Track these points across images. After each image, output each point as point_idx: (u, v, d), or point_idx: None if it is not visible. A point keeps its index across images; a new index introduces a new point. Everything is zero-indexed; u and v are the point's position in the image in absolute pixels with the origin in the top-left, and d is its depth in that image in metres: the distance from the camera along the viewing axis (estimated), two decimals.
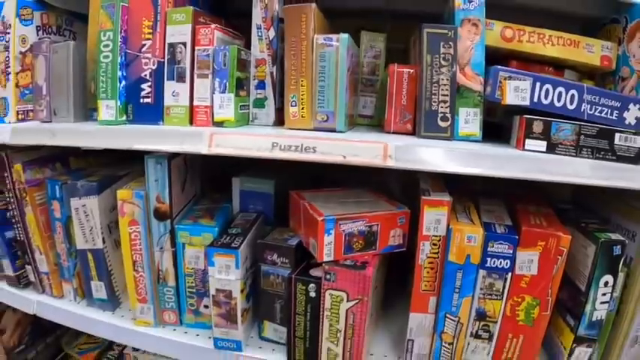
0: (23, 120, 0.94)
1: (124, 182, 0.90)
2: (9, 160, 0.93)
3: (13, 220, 0.96)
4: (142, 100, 0.83)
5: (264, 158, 0.70)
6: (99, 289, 0.90)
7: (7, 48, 0.93)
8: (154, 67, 0.81)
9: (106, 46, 0.82)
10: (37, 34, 0.96)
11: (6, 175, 0.94)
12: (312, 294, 0.76)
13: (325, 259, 0.73)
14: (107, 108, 0.83)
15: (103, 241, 0.87)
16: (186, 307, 0.85)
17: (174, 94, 0.80)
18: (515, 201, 0.82)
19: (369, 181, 0.92)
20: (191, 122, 0.81)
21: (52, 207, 0.90)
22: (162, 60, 0.81)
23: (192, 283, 0.83)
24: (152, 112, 0.83)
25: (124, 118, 0.84)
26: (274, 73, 0.82)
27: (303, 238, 0.78)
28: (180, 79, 0.80)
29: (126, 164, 1.02)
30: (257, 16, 0.82)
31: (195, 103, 0.80)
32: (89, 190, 0.85)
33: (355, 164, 0.67)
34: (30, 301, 0.97)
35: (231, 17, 0.92)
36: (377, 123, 0.91)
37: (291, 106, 0.76)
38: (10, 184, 0.93)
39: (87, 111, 0.93)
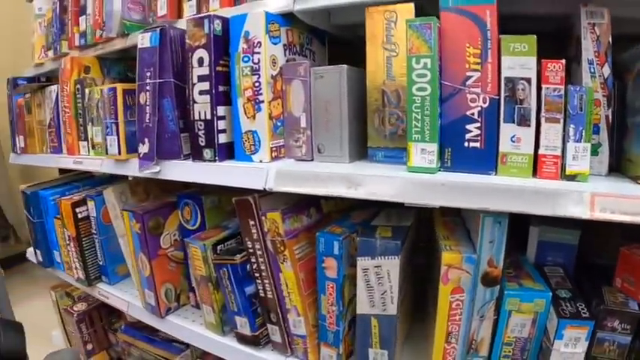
0: (277, 158, 0.78)
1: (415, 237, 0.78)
2: (257, 206, 0.77)
3: (257, 275, 0.80)
4: (466, 144, 0.72)
5: None
6: (379, 358, 0.81)
7: (255, 71, 0.78)
8: (484, 105, 0.70)
9: (421, 75, 0.70)
10: (285, 55, 0.78)
11: (252, 223, 0.78)
12: None
13: None
14: (422, 152, 0.73)
15: (398, 308, 0.72)
16: None
17: (514, 139, 0.68)
18: None
19: None
20: (534, 174, 0.70)
21: (324, 264, 0.78)
22: (496, 97, 0.70)
23: (508, 352, 0.77)
24: (481, 159, 0.71)
25: (438, 165, 0.72)
26: (609, 116, 0.69)
27: None
28: (524, 122, 0.69)
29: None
30: (588, 49, 0.71)
31: (542, 151, 0.69)
32: (390, 249, 0.76)
33: None
34: None
35: None
36: None
37: None
38: (259, 235, 0.78)
39: (364, 149, 0.77)
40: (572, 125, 0.68)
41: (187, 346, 1.13)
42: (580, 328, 0.69)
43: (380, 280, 0.78)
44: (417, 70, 0.70)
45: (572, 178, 0.69)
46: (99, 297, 1.18)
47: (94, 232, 1.15)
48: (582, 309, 0.71)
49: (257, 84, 0.81)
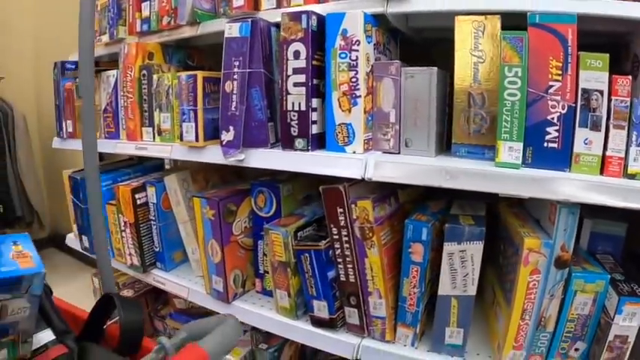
0: (367, 150, 0.85)
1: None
2: (347, 195, 0.84)
3: (340, 260, 0.88)
4: (545, 145, 0.83)
5: None
6: (454, 335, 0.90)
7: (352, 67, 0.87)
8: (563, 111, 0.82)
9: (512, 83, 0.82)
10: (374, 53, 0.85)
11: (341, 211, 0.86)
12: None
13: None
14: (510, 150, 0.84)
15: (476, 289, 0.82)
16: (555, 352, 0.87)
17: (587, 142, 0.82)
18: None
19: None
20: (601, 172, 0.82)
21: (410, 249, 0.88)
22: (573, 105, 0.82)
23: (571, 328, 0.89)
24: (557, 158, 0.83)
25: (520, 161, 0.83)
26: None
27: None
28: (595, 127, 0.82)
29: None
30: None
31: (608, 153, 0.82)
32: (475, 235, 0.87)
33: None
34: (350, 345, 0.96)
35: None
36: None
37: None
38: (346, 222, 0.86)
39: (442, 144, 0.93)
40: (635, 132, 0.81)
41: (244, 331, 1.16)
42: (637, 304, 0.82)
43: (464, 263, 0.87)
44: (509, 78, 0.81)
45: (632, 176, 0.82)
46: (154, 283, 1.20)
47: (153, 218, 1.18)
48: (637, 289, 0.84)
49: (354, 79, 0.88)
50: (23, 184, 2.45)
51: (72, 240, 1.50)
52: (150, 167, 1.38)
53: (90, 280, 1.59)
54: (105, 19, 1.28)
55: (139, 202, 1.15)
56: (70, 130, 1.39)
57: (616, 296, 0.83)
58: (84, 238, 1.38)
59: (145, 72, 1.12)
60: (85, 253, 1.40)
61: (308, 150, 0.91)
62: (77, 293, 1.46)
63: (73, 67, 1.35)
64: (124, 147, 1.17)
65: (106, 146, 1.23)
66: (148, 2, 1.16)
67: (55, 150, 1.50)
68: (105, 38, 1.29)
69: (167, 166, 1.40)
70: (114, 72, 1.21)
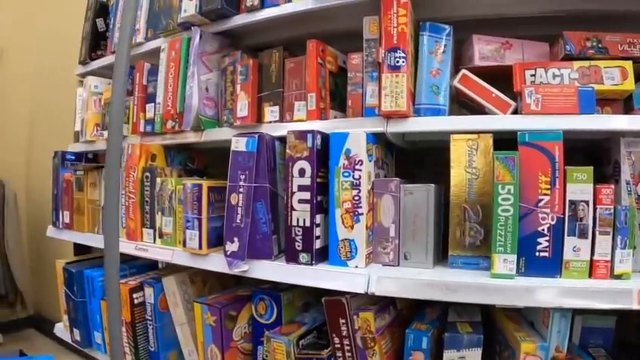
0: (367, 263, 0.92)
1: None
2: (349, 306, 0.88)
3: None
4: (537, 254, 0.88)
5: None
6: None
7: (355, 186, 0.94)
8: (552, 223, 0.88)
9: (506, 199, 0.88)
10: (374, 169, 0.92)
11: (343, 322, 0.90)
12: None
13: None
14: (504, 262, 0.88)
15: None
16: None
17: (575, 249, 0.88)
18: None
19: None
20: (590, 275, 0.87)
21: (411, 357, 0.91)
22: (562, 216, 0.88)
23: None
24: (548, 266, 0.88)
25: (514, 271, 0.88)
26: None
27: None
28: (583, 235, 0.88)
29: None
30: (626, 172, 0.93)
31: (596, 257, 0.87)
32: (474, 342, 0.90)
33: None
34: None
35: None
36: None
37: None
38: (348, 332, 0.90)
39: (439, 254, 0.97)
40: (619, 236, 0.87)
41: None
42: None
43: None
44: (502, 195, 0.87)
45: (618, 277, 0.87)
46: None
47: (149, 318, 1.16)
48: None
49: (357, 197, 0.93)
50: (9, 262, 2.37)
51: (61, 330, 1.45)
52: (144, 265, 1.35)
53: None
54: (108, 115, 1.29)
55: (136, 301, 1.14)
56: (67, 221, 1.38)
57: None
58: (75, 330, 1.34)
59: (147, 174, 1.14)
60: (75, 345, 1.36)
61: (312, 264, 0.93)
62: None
63: (73, 158, 1.36)
64: (125, 246, 1.15)
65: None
66: (153, 104, 1.19)
67: (43, 232, 1.49)
68: (106, 133, 1.28)
69: (161, 264, 1.40)
70: None
